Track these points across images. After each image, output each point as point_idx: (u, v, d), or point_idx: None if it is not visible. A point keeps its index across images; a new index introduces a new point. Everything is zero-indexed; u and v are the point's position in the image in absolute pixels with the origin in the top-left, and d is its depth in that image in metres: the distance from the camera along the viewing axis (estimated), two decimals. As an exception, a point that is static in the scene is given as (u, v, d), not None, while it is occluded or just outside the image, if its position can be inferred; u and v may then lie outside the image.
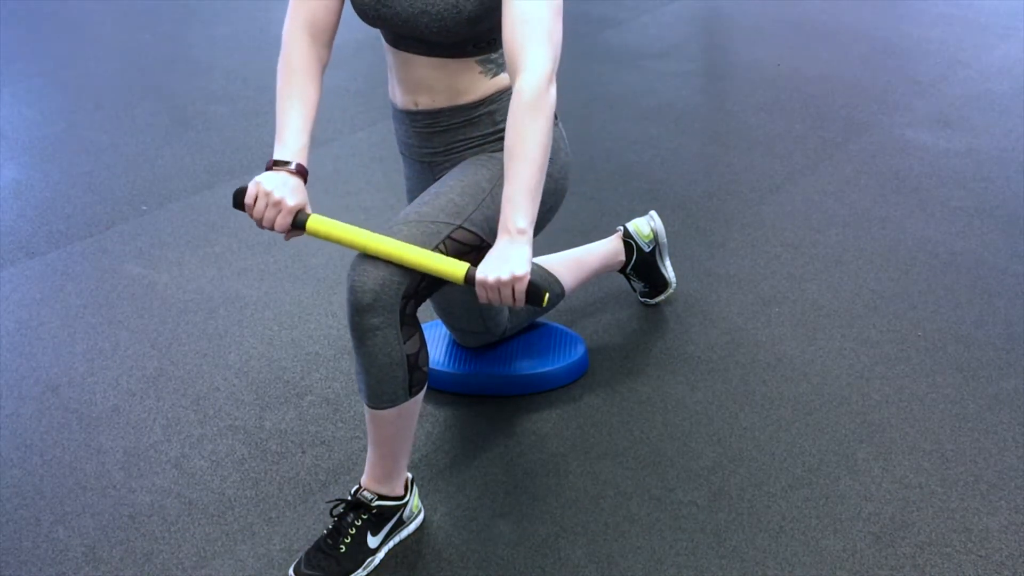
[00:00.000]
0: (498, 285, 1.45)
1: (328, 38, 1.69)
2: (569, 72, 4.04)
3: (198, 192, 3.11)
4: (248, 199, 1.57)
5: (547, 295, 1.48)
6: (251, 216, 1.58)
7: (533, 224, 1.49)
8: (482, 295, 1.49)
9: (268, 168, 1.59)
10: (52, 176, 3.25)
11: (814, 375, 2.18)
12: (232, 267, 2.68)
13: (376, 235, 1.53)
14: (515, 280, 1.45)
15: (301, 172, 1.60)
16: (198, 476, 1.94)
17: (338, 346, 2.32)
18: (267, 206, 1.55)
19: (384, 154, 3.33)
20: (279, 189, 1.55)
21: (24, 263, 2.72)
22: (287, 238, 1.63)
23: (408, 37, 1.65)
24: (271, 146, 3.45)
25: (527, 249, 1.47)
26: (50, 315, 2.47)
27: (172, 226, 2.91)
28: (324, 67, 1.69)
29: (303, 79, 1.65)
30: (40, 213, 3.00)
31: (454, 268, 1.50)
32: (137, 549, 1.77)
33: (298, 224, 1.57)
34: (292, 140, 1.60)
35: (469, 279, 1.48)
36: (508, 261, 1.46)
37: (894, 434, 1.99)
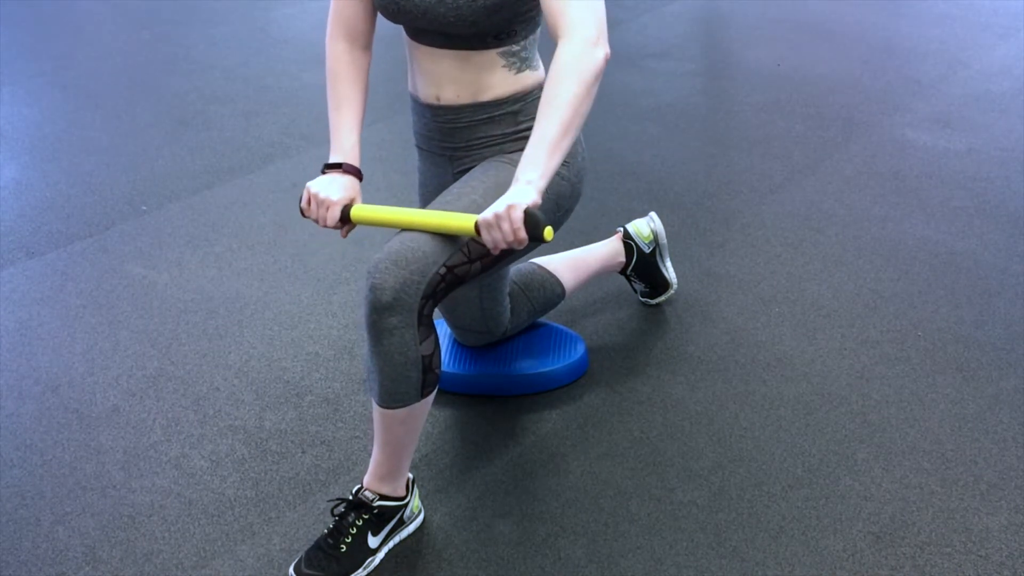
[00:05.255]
0: (496, 219, 1.44)
1: (366, 41, 1.77)
2: (569, 72, 4.04)
3: (198, 192, 3.11)
4: (303, 204, 1.70)
5: (547, 228, 1.46)
6: (309, 218, 1.70)
7: (546, 178, 1.48)
8: (487, 238, 1.48)
9: (322, 172, 1.71)
10: (52, 176, 3.25)
11: (814, 375, 2.17)
12: (232, 267, 2.68)
13: (406, 211, 1.62)
14: (509, 209, 1.43)
15: (350, 170, 1.71)
16: (198, 476, 1.94)
17: (338, 346, 2.32)
18: (316, 206, 1.67)
19: (384, 155, 3.33)
20: (325, 190, 1.66)
21: (24, 263, 2.72)
22: (343, 234, 1.71)
23: (428, 30, 1.66)
24: (271, 145, 3.49)
25: (531, 191, 1.46)
26: (50, 315, 2.47)
27: (172, 226, 2.91)
28: (366, 67, 1.78)
29: (345, 83, 1.75)
30: (40, 213, 3.00)
31: (465, 222, 1.53)
32: (137, 549, 1.77)
33: (345, 218, 1.68)
34: (343, 141, 1.72)
35: (477, 228, 1.50)
36: (506, 199, 1.46)
37: (894, 434, 1.99)
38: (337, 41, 1.76)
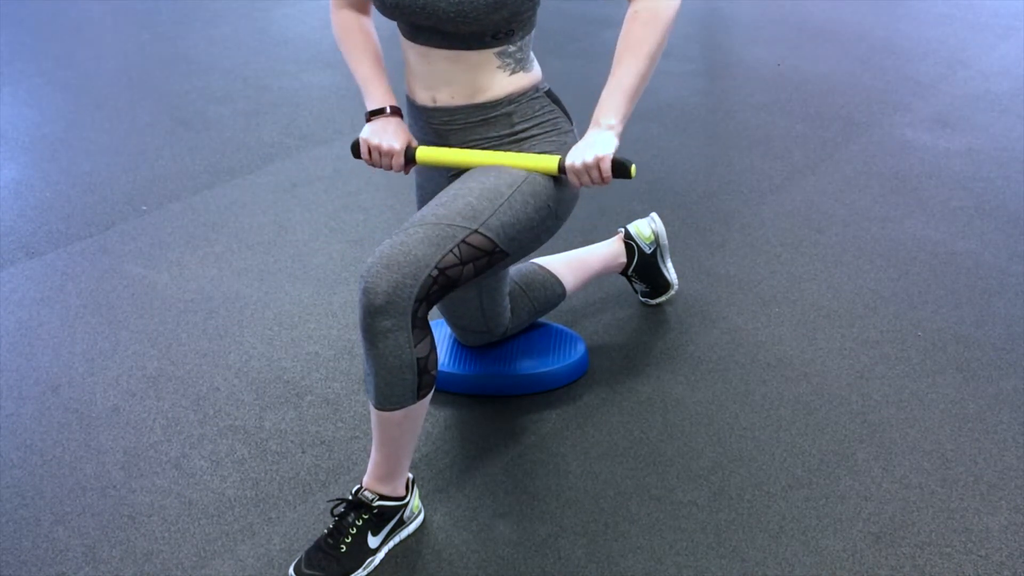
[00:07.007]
0: (585, 168, 1.64)
1: (367, 9, 1.84)
2: (569, 72, 4.04)
3: (198, 192, 3.11)
4: (363, 155, 1.80)
5: (632, 166, 1.64)
6: (372, 166, 1.81)
7: (624, 121, 1.67)
8: (574, 180, 1.68)
9: (367, 120, 1.78)
10: (52, 176, 3.25)
11: (814, 375, 2.18)
12: (232, 267, 2.68)
13: (475, 152, 1.73)
14: (599, 160, 1.62)
15: (395, 112, 1.79)
16: (198, 476, 1.94)
17: (338, 346, 2.32)
18: (380, 156, 1.77)
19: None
20: (384, 139, 1.75)
21: (24, 263, 2.72)
22: (407, 172, 1.83)
23: (426, 28, 1.66)
24: (271, 145, 3.49)
25: (612, 137, 1.65)
26: (50, 315, 2.47)
27: (172, 226, 2.91)
28: (372, 29, 1.83)
29: (359, 36, 1.81)
30: (40, 213, 3.00)
31: (547, 162, 1.70)
32: (137, 549, 1.77)
33: (409, 160, 1.78)
34: (375, 88, 1.79)
35: (561, 168, 1.68)
36: (592, 146, 1.64)
37: (894, 434, 1.99)
38: (341, 10, 1.83)
